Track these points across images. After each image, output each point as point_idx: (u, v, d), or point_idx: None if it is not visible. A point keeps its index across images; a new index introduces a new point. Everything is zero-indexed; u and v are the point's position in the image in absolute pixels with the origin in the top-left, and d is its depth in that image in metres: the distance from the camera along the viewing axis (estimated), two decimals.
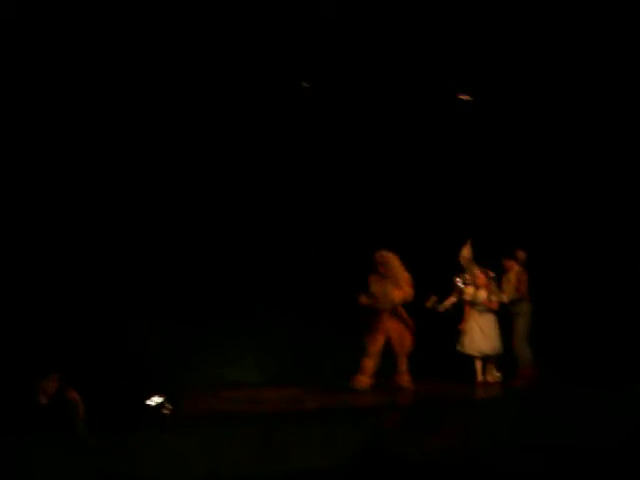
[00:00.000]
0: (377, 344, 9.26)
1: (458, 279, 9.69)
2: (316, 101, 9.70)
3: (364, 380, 9.25)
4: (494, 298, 9.61)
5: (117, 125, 8.90)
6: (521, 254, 9.68)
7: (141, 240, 9.05)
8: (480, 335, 9.59)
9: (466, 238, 9.73)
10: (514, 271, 9.67)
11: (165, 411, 7.89)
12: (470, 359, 9.67)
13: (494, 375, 9.69)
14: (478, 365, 9.65)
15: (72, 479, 6.19)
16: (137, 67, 8.66)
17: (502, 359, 9.71)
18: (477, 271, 9.68)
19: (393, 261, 9.25)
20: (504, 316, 9.70)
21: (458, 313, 9.81)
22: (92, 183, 8.77)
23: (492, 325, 9.63)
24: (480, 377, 9.62)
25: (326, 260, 10.08)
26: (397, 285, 9.21)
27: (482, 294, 9.62)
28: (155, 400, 7.97)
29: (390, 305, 9.22)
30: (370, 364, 9.26)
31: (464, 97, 9.94)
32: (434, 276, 9.64)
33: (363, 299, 9.23)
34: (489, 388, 9.53)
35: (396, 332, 9.29)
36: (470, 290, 9.66)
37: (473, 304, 9.66)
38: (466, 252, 9.71)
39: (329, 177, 10.10)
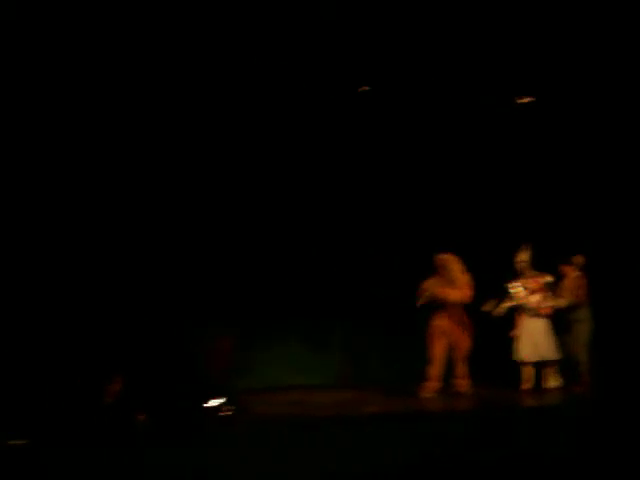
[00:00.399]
0: (437, 348, 9.21)
1: (512, 284, 9.59)
2: (375, 104, 9.67)
3: (430, 386, 9.20)
4: (546, 303, 9.46)
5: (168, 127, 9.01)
6: (579, 259, 9.53)
7: (198, 245, 9.14)
8: (526, 341, 9.44)
9: (525, 243, 9.63)
10: (571, 277, 9.54)
11: (226, 412, 7.99)
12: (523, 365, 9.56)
13: (554, 381, 9.53)
14: (523, 371, 9.51)
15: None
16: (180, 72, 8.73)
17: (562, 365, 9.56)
18: (530, 276, 9.55)
19: (452, 264, 9.21)
20: (560, 322, 9.54)
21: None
22: (159, 187, 8.90)
23: (542, 331, 9.45)
24: (526, 384, 9.47)
25: (384, 262, 10.09)
26: (454, 287, 9.17)
27: (533, 299, 9.49)
28: (215, 402, 8.08)
29: (440, 301, 9.15)
30: (433, 369, 9.21)
31: (525, 99, 9.81)
32: (493, 280, 9.57)
33: (419, 294, 9.21)
34: (550, 394, 9.38)
35: (454, 336, 9.22)
36: (521, 295, 9.54)
37: (524, 309, 9.54)
38: (524, 256, 9.61)
39: (389, 180, 10.09)
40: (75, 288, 8.24)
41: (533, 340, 9.43)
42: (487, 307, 9.46)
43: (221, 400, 8.09)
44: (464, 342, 9.26)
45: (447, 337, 9.22)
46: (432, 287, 9.21)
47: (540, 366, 9.54)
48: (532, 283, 9.50)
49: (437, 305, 9.21)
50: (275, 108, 9.38)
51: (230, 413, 8.00)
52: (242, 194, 9.54)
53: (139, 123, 8.82)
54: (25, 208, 8.32)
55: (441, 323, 9.21)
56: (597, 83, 9.58)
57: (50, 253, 8.33)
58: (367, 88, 9.52)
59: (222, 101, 9.13)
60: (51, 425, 6.91)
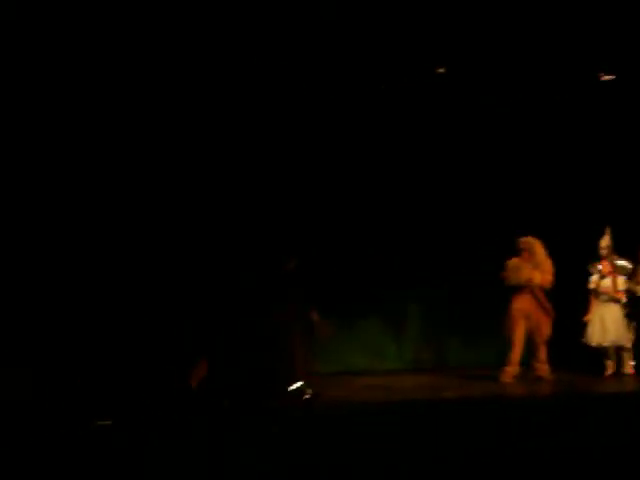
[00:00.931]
0: (518, 331, 9.06)
1: (593, 267, 9.37)
2: (451, 86, 9.55)
3: (511, 371, 9.10)
4: (619, 288, 9.20)
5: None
6: None
7: (280, 233, 9.23)
8: (599, 326, 9.21)
9: (606, 227, 9.39)
10: None
11: (306, 396, 8.04)
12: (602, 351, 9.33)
13: (629, 367, 9.30)
14: (606, 357, 9.29)
15: None
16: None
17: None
18: (609, 260, 9.31)
19: (538, 248, 9.07)
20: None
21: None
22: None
23: (614, 316, 9.21)
24: (609, 370, 9.26)
25: (462, 246, 10.01)
26: (539, 271, 9.03)
27: (606, 283, 9.25)
28: (296, 385, 8.14)
29: (522, 282, 9.00)
30: (514, 353, 9.10)
31: (607, 77, 9.54)
32: (574, 264, 9.38)
33: (520, 279, 9.04)
34: (629, 381, 9.15)
35: (535, 319, 9.08)
36: (594, 279, 9.32)
37: (597, 294, 9.32)
38: (606, 241, 9.38)
39: (470, 162, 10.02)
40: (160, 275, 8.38)
41: (604, 325, 9.21)
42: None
43: (300, 383, 8.15)
44: (545, 326, 9.10)
45: (528, 321, 9.08)
46: (518, 269, 9.08)
47: (619, 352, 9.31)
48: (606, 267, 9.28)
49: (519, 288, 9.08)
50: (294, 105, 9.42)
51: (309, 396, 8.05)
52: (323, 183, 9.70)
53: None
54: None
55: (523, 306, 9.07)
56: None
57: (143, 242, 8.54)
58: (443, 70, 9.38)
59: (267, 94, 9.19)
60: (138, 407, 7.07)
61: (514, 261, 9.11)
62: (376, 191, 9.86)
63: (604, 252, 9.34)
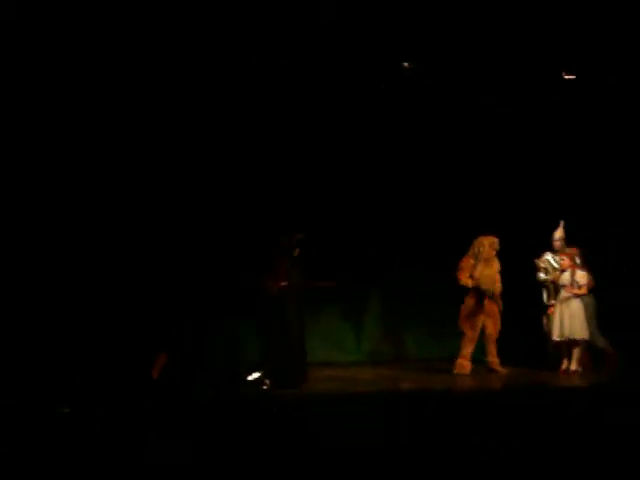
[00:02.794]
0: (477, 327, 9.24)
1: (542, 258, 9.49)
2: (417, 81, 9.60)
3: (466, 364, 9.26)
4: (580, 282, 9.28)
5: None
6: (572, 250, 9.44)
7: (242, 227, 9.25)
8: (558, 320, 9.26)
9: (559, 220, 9.54)
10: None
11: (264, 387, 8.08)
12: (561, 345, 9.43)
13: (578, 362, 9.37)
14: (562, 352, 9.37)
15: None
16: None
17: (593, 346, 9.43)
18: (564, 254, 9.42)
19: (487, 247, 9.22)
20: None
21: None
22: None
23: (573, 311, 9.23)
24: (564, 364, 9.31)
25: (421, 241, 10.12)
26: (488, 270, 9.19)
27: (565, 277, 9.34)
28: (254, 376, 8.17)
29: (493, 287, 9.18)
30: (471, 348, 9.27)
31: (569, 76, 9.69)
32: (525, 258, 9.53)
33: (467, 281, 9.19)
34: (576, 376, 9.25)
35: (493, 316, 9.26)
36: (555, 273, 9.41)
37: (557, 287, 9.37)
38: (560, 234, 9.54)
39: (425, 160, 10.14)
40: (124, 268, 8.35)
41: (562, 319, 9.26)
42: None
43: (258, 374, 8.18)
44: (497, 322, 9.28)
45: (485, 317, 9.24)
46: (470, 269, 9.20)
47: (569, 345, 9.36)
48: (566, 261, 9.35)
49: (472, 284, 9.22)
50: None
51: (267, 387, 8.08)
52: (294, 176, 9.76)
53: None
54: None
55: (477, 303, 9.23)
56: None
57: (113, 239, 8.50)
58: (408, 65, 9.43)
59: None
60: (98, 395, 7.05)
61: (466, 260, 9.25)
62: (340, 187, 9.92)
63: (557, 244, 9.47)
